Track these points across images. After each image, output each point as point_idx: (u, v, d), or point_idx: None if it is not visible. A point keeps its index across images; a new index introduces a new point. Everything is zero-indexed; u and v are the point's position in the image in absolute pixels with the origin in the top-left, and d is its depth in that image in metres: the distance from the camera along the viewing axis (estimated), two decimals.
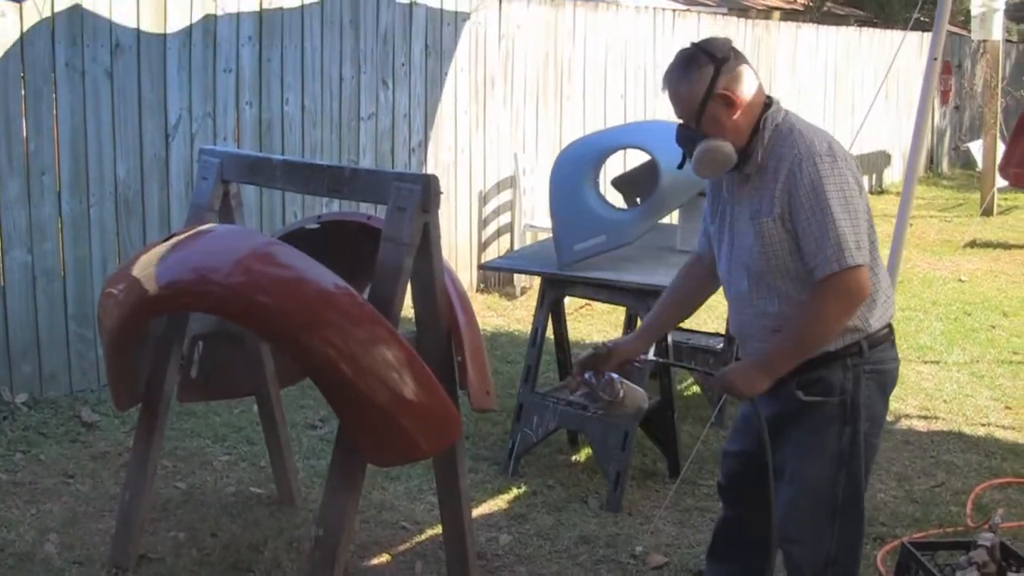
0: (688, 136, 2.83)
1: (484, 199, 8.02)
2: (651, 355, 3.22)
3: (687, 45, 2.86)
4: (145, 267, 3.27)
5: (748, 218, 2.82)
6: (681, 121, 2.86)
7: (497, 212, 8.17)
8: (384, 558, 3.93)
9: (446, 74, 7.55)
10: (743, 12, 14.75)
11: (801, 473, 2.89)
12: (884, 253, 3.51)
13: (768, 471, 2.88)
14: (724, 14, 11.24)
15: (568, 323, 5.21)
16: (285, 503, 4.28)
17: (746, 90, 2.79)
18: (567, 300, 5.27)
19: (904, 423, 5.46)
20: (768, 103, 2.83)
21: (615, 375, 2.99)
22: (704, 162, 2.81)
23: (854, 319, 2.78)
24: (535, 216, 7.96)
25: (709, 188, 3.04)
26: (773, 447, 2.88)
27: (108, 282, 3.51)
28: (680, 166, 2.93)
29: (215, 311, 3.48)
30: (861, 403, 2.82)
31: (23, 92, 5.19)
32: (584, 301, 7.15)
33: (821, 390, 2.82)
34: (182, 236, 3.31)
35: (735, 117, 2.78)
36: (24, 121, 5.19)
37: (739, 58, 2.81)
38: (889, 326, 2.91)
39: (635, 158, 6.36)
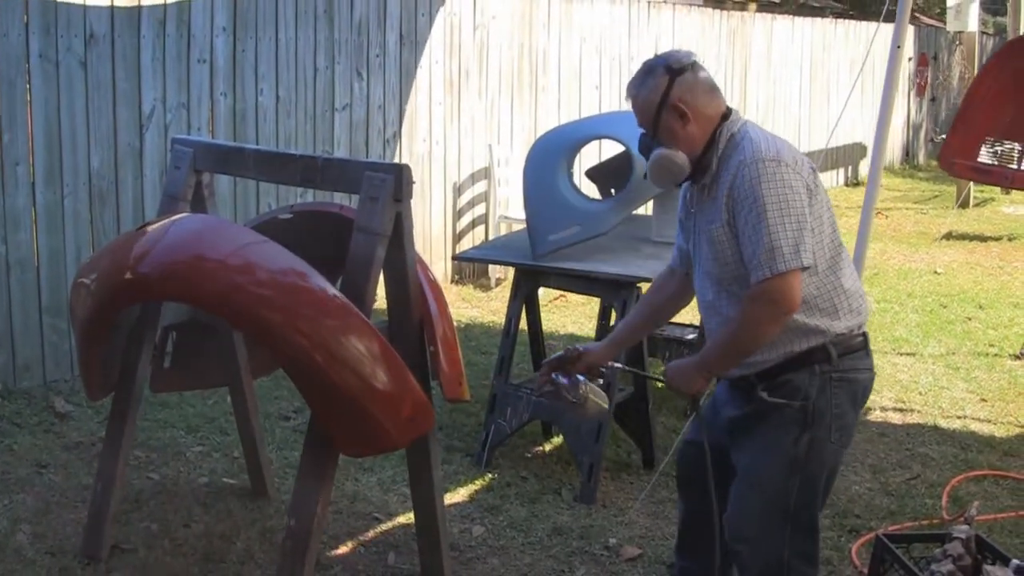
0: (646, 144, 2.90)
1: (459, 190, 8.03)
2: (617, 364, 3.29)
3: (654, 53, 2.97)
4: (119, 256, 3.27)
5: (706, 226, 2.86)
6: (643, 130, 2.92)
7: (472, 203, 8.17)
8: (357, 548, 3.94)
9: (420, 65, 7.55)
10: (719, 4, 14.78)
11: (754, 472, 2.91)
12: (850, 243, 3.52)
13: (726, 467, 2.95)
14: (699, 6, 11.26)
15: (543, 315, 5.22)
16: (258, 494, 4.29)
17: (701, 102, 2.84)
18: (542, 291, 5.29)
19: (879, 415, 5.49)
20: (727, 115, 2.87)
21: (581, 378, 3.06)
22: (656, 170, 2.87)
23: (814, 320, 2.80)
24: (510, 207, 7.96)
25: (681, 205, 3.06)
26: (732, 446, 2.95)
27: (80, 272, 3.50)
28: (645, 176, 2.98)
29: (188, 299, 3.47)
30: (828, 411, 2.83)
31: None
32: (559, 292, 7.17)
33: (785, 393, 2.83)
34: (155, 226, 3.30)
35: (688, 128, 2.83)
36: None
37: (697, 71, 2.86)
38: (864, 334, 2.90)
39: (610, 149, 6.39)
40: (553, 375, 3.10)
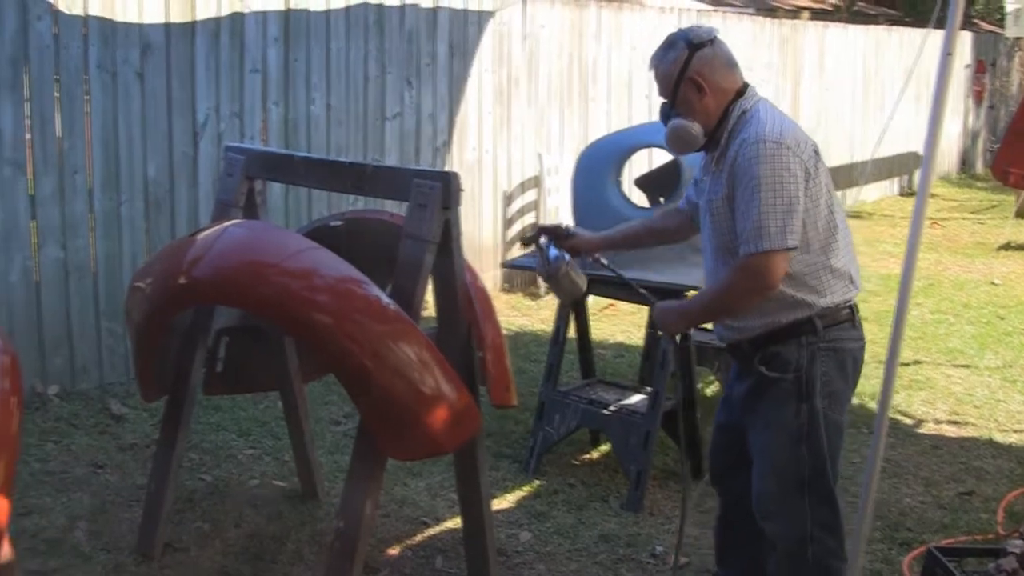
0: (666, 113, 3.03)
1: (509, 199, 8.05)
2: (604, 260, 3.45)
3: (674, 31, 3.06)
4: (173, 262, 3.33)
5: (709, 197, 2.99)
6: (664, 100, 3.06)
7: (522, 212, 8.20)
8: (404, 552, 3.97)
9: (470, 74, 7.59)
10: (770, 12, 14.70)
11: (765, 450, 3.02)
12: (899, 250, 3.50)
13: (744, 448, 3.09)
14: (751, 14, 11.20)
15: (592, 323, 5.22)
16: (308, 496, 4.33)
17: (718, 76, 2.96)
18: (592, 300, 5.28)
19: (932, 427, 5.42)
20: (742, 91, 2.98)
21: (567, 256, 3.30)
22: (672, 139, 3.01)
23: (801, 294, 2.91)
24: (560, 216, 7.97)
25: (699, 167, 3.18)
26: (746, 425, 3.08)
27: (136, 276, 3.57)
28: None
29: (240, 304, 3.52)
30: (817, 379, 2.94)
31: (57, 93, 5.28)
32: (609, 301, 7.17)
33: (778, 366, 2.95)
34: (208, 231, 3.36)
35: (704, 100, 2.95)
36: (58, 121, 5.29)
37: (717, 46, 2.98)
38: (850, 308, 3.01)
39: (660, 157, 6.39)
40: (542, 240, 3.31)
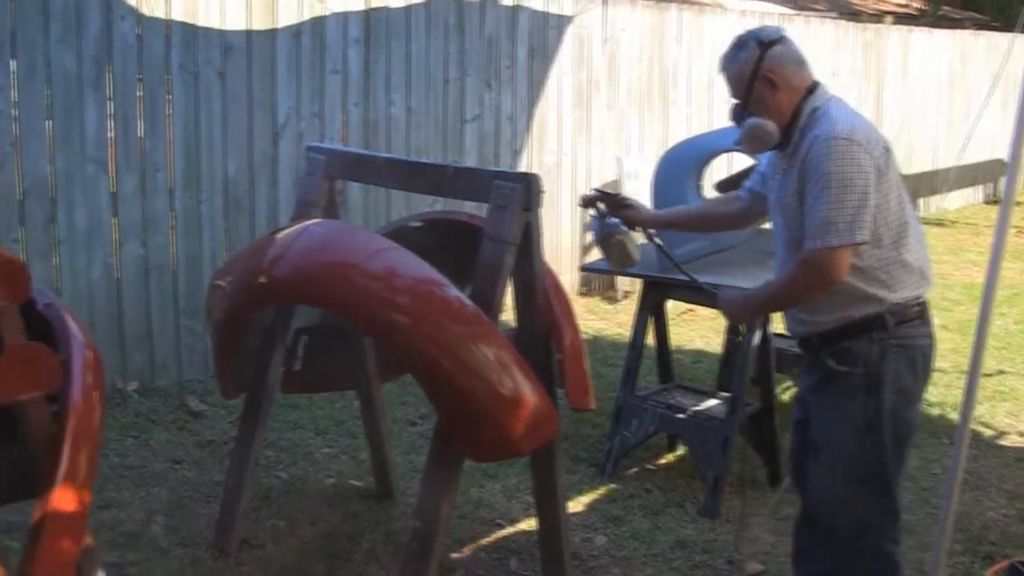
0: (738, 114, 3.04)
1: None
2: (658, 239, 3.49)
3: (742, 32, 3.07)
4: (253, 261, 3.35)
5: (780, 193, 3.01)
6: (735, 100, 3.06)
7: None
8: (479, 553, 3.96)
9: (550, 77, 7.57)
10: (854, 16, 14.47)
11: (828, 442, 3.02)
12: (983, 259, 3.42)
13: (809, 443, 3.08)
14: (834, 18, 11.03)
15: (671, 328, 5.16)
16: (383, 496, 4.34)
17: (788, 74, 2.97)
18: (671, 305, 5.21)
19: (1017, 440, 5.29)
20: (812, 89, 2.99)
21: (625, 227, 3.39)
22: (748, 138, 3.01)
23: (873, 289, 2.91)
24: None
25: (766, 162, 3.20)
26: (811, 417, 3.09)
27: (216, 275, 3.60)
28: (737, 142, 3.10)
29: (320, 303, 3.53)
30: (887, 374, 2.92)
31: (139, 93, 5.37)
32: (688, 306, 7.10)
33: (847, 360, 2.95)
34: (288, 231, 3.37)
35: (778, 97, 2.97)
36: (140, 121, 5.38)
37: (786, 44, 2.99)
38: (920, 304, 2.99)
39: (740, 162, 6.30)
40: (600, 206, 3.41)
